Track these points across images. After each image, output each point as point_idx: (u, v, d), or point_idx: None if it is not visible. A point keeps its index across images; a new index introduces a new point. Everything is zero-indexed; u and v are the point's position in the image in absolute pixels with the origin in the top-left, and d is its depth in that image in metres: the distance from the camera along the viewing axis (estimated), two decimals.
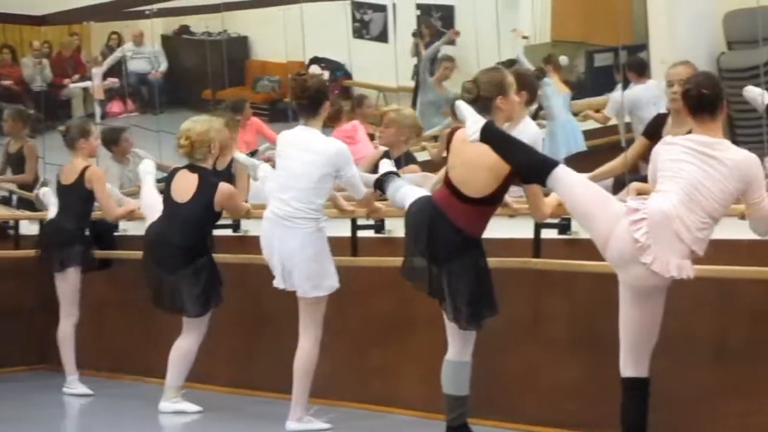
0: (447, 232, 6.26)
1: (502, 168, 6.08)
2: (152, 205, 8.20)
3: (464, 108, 6.14)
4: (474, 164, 6.17)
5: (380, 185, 7.02)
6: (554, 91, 10.80)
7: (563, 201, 5.93)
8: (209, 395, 8.42)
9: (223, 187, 7.84)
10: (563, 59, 11.00)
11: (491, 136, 5.93)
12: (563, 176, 5.74)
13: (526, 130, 6.94)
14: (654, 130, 7.06)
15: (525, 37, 13.70)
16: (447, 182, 6.33)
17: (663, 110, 10.29)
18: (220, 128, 8.04)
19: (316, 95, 7.20)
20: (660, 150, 5.69)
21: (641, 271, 5.50)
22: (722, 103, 5.66)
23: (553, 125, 10.75)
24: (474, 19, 12.59)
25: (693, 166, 5.50)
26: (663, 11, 12.13)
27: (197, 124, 7.92)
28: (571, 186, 5.74)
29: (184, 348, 7.93)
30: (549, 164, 5.81)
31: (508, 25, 12.38)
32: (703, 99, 5.59)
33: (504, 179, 6.17)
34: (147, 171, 8.52)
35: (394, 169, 7.16)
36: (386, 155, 7.15)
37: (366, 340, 8.00)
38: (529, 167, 5.92)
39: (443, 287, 6.32)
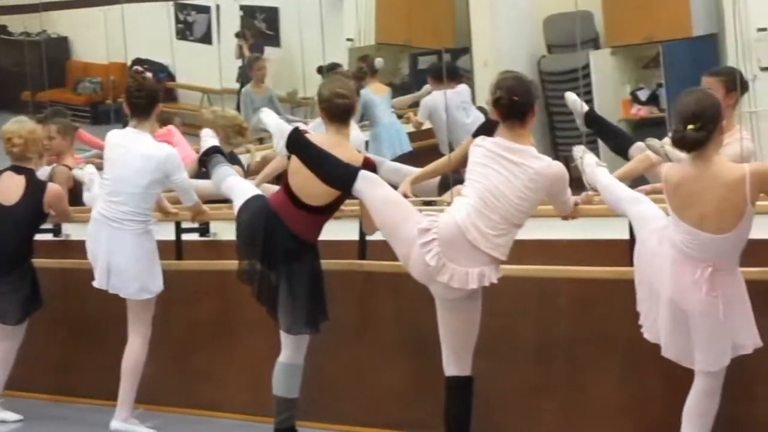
0: (283, 238, 6.24)
1: None
2: None
3: (267, 118, 6.10)
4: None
5: (204, 163, 7.00)
6: (371, 95, 10.80)
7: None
8: (30, 403, 8.22)
9: (52, 187, 7.69)
10: (378, 61, 11.01)
11: (298, 147, 5.92)
12: (364, 190, 5.79)
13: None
14: (484, 133, 7.14)
15: (350, 40, 13.74)
16: (285, 186, 6.30)
17: (473, 115, 10.48)
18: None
19: (152, 95, 7.10)
20: (471, 150, 5.75)
21: (443, 287, 5.58)
22: (533, 109, 5.70)
23: (377, 129, 10.78)
24: (298, 21, 12.57)
25: (492, 170, 5.54)
26: (485, 15, 12.32)
27: (24, 123, 7.77)
28: (373, 200, 5.78)
29: (0, 356, 7.72)
30: (350, 176, 5.83)
31: (332, 27, 12.39)
32: (515, 105, 5.61)
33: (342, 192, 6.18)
34: None
35: (217, 143, 7.10)
36: (218, 151, 7.07)
37: (191, 345, 7.91)
38: (334, 179, 5.93)
39: (279, 293, 6.30)
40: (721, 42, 11.80)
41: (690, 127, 5.06)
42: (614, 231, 5.87)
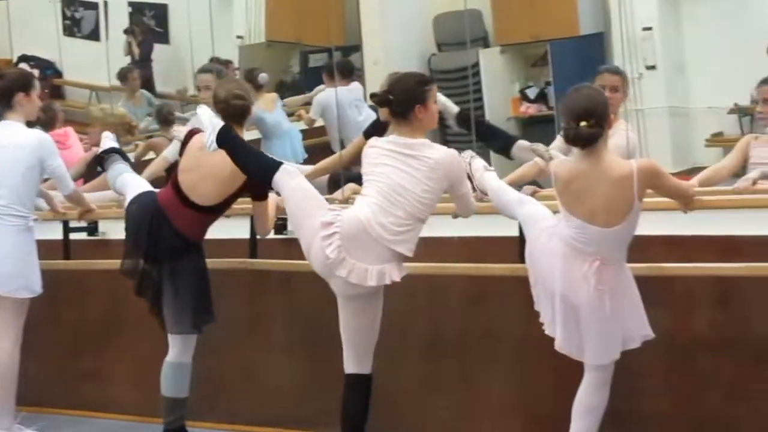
0: (168, 235, 6.20)
1: (235, 181, 6.10)
2: None
3: (202, 114, 6.05)
4: (207, 173, 6.15)
5: (101, 162, 6.90)
6: (260, 113, 10.72)
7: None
8: None
9: None
10: (263, 77, 10.89)
11: (227, 141, 5.88)
12: (283, 183, 5.75)
13: None
14: (374, 132, 7.14)
15: (240, 37, 13.68)
16: (174, 184, 6.25)
17: (365, 113, 10.49)
18: None
19: (8, 84, 6.95)
20: (365, 152, 5.75)
21: (342, 282, 5.56)
22: (425, 105, 5.69)
23: (269, 143, 10.71)
24: (188, 18, 12.48)
25: (392, 168, 5.54)
26: (375, 13, 12.37)
27: None
28: (290, 192, 5.75)
29: None
30: (271, 168, 5.81)
31: (222, 25, 12.34)
32: (404, 103, 5.62)
33: (233, 193, 6.18)
34: None
35: (117, 145, 7.03)
36: (119, 152, 6.98)
37: (78, 345, 7.81)
38: (257, 171, 5.91)
39: (163, 291, 6.25)
40: (608, 40, 11.99)
41: (583, 123, 5.12)
42: (504, 228, 5.91)
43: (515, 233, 5.83)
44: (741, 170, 6.34)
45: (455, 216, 6.01)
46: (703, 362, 5.93)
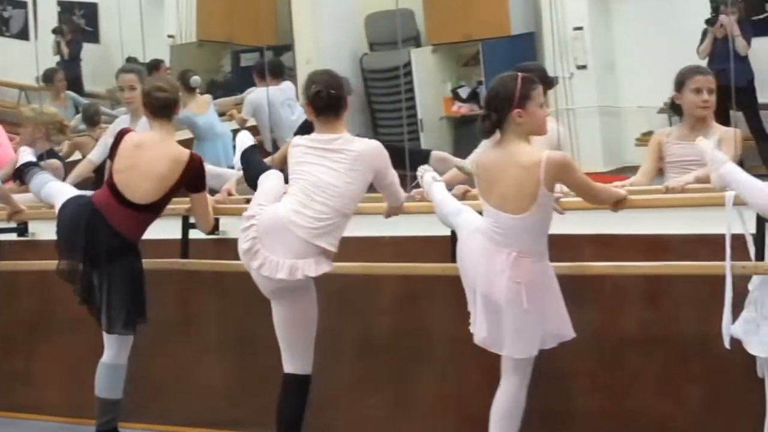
0: (105, 235, 6.17)
1: (170, 178, 6.11)
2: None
3: (239, 140, 6.40)
4: (143, 171, 6.15)
5: (20, 176, 6.89)
6: (193, 116, 10.67)
7: None
8: None
9: None
10: (195, 80, 10.86)
11: (245, 157, 6.23)
12: (261, 180, 5.87)
13: None
14: (302, 133, 7.15)
15: (171, 36, 13.62)
16: (110, 185, 6.23)
17: (297, 112, 10.48)
18: None
19: None
20: (290, 152, 5.80)
21: (259, 277, 5.61)
22: (347, 102, 5.77)
23: (201, 145, 10.68)
24: (118, 17, 12.40)
25: (315, 165, 5.59)
26: (306, 13, 12.36)
27: None
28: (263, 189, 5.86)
29: None
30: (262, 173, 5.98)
31: (153, 24, 12.26)
32: (332, 99, 5.68)
33: (169, 189, 6.18)
34: None
35: (34, 159, 7.00)
36: (52, 153, 6.95)
37: (9, 346, 7.74)
38: (253, 180, 6.02)
39: (99, 292, 6.22)
40: (539, 40, 12.06)
41: (487, 112, 5.18)
42: (436, 227, 5.93)
43: (447, 233, 5.86)
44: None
45: (387, 215, 6.04)
46: (633, 360, 5.99)
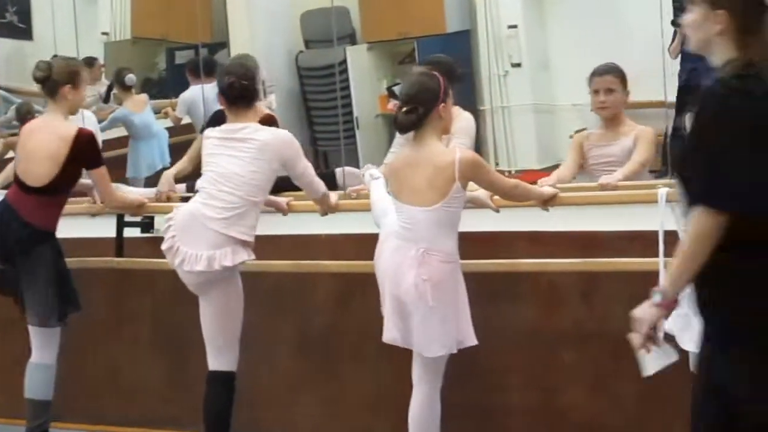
0: (17, 227, 6.17)
1: (60, 155, 6.15)
2: None
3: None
4: (35, 154, 6.20)
5: None
6: (129, 114, 10.59)
7: None
8: None
9: None
10: (130, 78, 10.81)
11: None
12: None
13: None
14: (214, 124, 7.11)
15: (105, 34, 13.51)
16: (15, 176, 6.28)
17: None
18: None
19: None
20: (203, 144, 5.85)
21: (180, 272, 5.64)
22: (258, 92, 5.81)
23: (137, 144, 10.59)
24: (51, 14, 12.28)
25: (223, 156, 5.65)
26: (241, 10, 12.29)
27: None
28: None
29: None
30: None
31: (87, 21, 12.16)
32: (245, 90, 5.73)
33: (62, 167, 6.17)
34: None
35: None
36: None
37: None
38: None
39: (21, 287, 6.17)
40: (474, 38, 12.07)
41: (404, 109, 5.15)
42: (371, 225, 5.93)
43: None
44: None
45: (323, 213, 6.03)
46: (567, 356, 6.02)
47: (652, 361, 4.04)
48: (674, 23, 10.77)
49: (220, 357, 5.76)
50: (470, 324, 5.20)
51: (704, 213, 3.64)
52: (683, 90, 9.39)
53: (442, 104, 5.18)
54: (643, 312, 3.84)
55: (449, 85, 5.25)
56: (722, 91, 3.66)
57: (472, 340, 5.20)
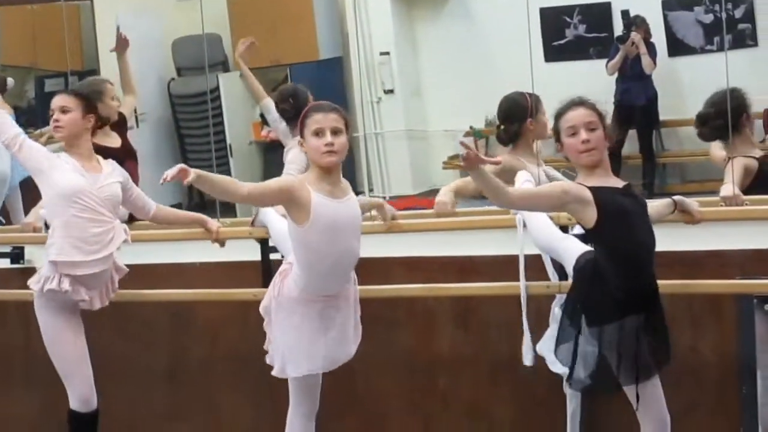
0: None
1: None
2: None
3: None
4: None
5: None
6: None
7: None
8: None
9: None
10: (10, 81, 10.68)
11: None
12: None
13: None
14: None
15: None
16: None
17: None
18: None
19: None
20: None
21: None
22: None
23: None
24: None
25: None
26: (112, 37, 12.14)
27: None
28: None
29: None
30: None
31: None
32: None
33: None
34: None
35: None
36: None
37: None
38: None
39: None
40: (347, 65, 12.13)
41: None
42: (249, 252, 5.91)
43: (258, 258, 5.84)
44: None
45: (215, 241, 5.91)
46: (444, 381, 6.05)
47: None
48: (620, 39, 10.96)
49: (77, 394, 5.64)
50: (302, 353, 4.96)
51: None
52: (617, 109, 10.02)
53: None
54: None
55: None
56: None
57: (295, 370, 4.98)
